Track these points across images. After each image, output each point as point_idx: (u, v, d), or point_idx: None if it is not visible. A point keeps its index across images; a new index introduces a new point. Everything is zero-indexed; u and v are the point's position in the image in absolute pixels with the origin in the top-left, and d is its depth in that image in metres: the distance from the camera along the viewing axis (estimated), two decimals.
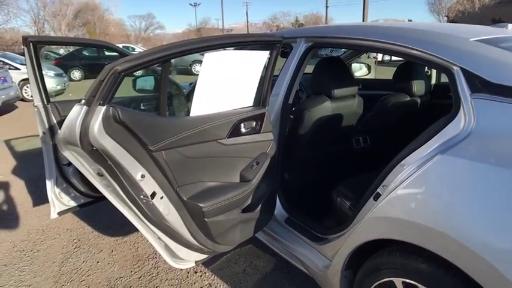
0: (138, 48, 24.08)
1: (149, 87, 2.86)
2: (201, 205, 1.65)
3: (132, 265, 2.65)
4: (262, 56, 1.78)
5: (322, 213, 2.41)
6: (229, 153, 1.80)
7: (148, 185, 1.50)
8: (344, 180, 2.25)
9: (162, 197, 1.57)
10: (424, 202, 1.32)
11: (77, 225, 3.24)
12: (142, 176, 1.46)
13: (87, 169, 1.41)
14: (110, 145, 1.31)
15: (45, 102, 2.27)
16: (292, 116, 2.39)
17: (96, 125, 1.26)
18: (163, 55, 1.33)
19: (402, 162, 1.44)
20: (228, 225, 1.84)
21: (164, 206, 1.59)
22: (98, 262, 2.70)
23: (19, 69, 10.40)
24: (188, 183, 1.66)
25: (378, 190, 1.55)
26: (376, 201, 1.55)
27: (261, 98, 1.95)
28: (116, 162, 1.36)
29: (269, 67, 1.84)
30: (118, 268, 2.62)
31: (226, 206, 1.76)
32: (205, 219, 1.70)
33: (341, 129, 2.55)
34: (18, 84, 10.00)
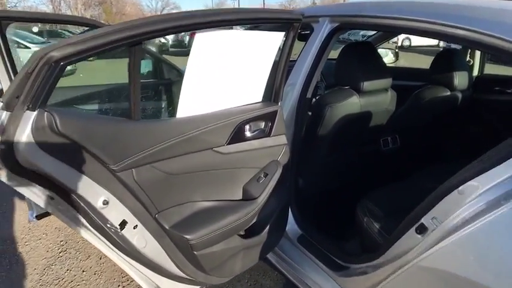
0: None
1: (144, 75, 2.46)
2: (187, 237, 1.28)
3: (121, 277, 2.32)
4: (275, 38, 1.36)
5: (343, 231, 2.01)
6: (229, 164, 1.41)
7: (115, 212, 1.13)
8: (370, 191, 1.85)
9: (135, 227, 1.20)
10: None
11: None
12: (105, 202, 1.08)
13: (33, 191, 1.04)
14: (49, 165, 0.93)
15: None
16: (310, 113, 1.98)
17: (23, 138, 0.88)
18: (129, 35, 0.93)
19: (461, 188, 1.02)
20: (225, 255, 1.47)
21: (139, 237, 1.22)
22: (83, 271, 2.38)
23: (29, 47, 10.14)
24: (172, 206, 1.28)
25: (423, 221, 1.14)
26: (420, 235, 1.14)
27: (273, 92, 1.53)
28: (64, 185, 0.98)
29: (284, 53, 1.42)
30: (105, 280, 2.30)
31: (223, 234, 1.38)
32: (195, 252, 1.32)
33: (369, 129, 2.12)
34: None
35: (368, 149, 2.27)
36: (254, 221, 1.51)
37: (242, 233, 1.55)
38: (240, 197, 1.51)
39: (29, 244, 2.68)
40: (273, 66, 1.44)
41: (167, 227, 1.26)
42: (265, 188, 1.50)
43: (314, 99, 2.01)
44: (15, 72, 1.90)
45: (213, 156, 1.33)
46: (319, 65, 1.84)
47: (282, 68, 1.46)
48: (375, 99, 1.99)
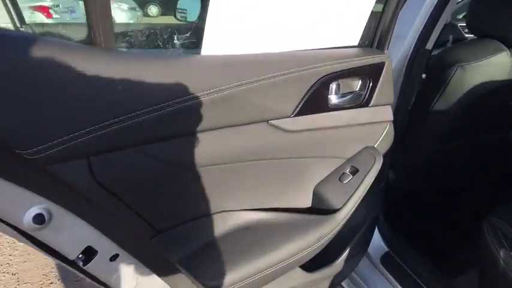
0: None
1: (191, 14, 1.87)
2: (212, 284, 0.71)
3: None
4: None
5: (454, 257, 1.35)
6: (294, 150, 0.81)
7: (67, 234, 0.59)
8: (504, 206, 1.17)
9: (114, 257, 0.67)
10: None
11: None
12: (42, 218, 0.54)
13: None
14: None
15: (18, 25, 1.45)
16: (424, 76, 1.28)
17: None
18: None
19: None
20: None
21: (125, 273, 0.68)
22: None
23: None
24: (183, 223, 0.71)
25: None
26: None
27: (377, 33, 0.90)
28: None
29: None
30: None
31: (277, 272, 0.79)
32: None
33: None
34: None
35: (496, 137, 1.52)
36: (329, 245, 0.91)
37: (306, 268, 0.96)
38: (308, 206, 0.91)
39: None
40: None
41: (175, 260, 0.71)
42: (353, 194, 0.88)
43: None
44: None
45: (267, 134, 0.73)
46: (449, 2, 1.12)
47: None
48: None
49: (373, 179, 0.93)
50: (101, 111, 0.54)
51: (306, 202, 0.90)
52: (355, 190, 0.89)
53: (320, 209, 0.89)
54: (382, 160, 0.95)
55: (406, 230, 1.40)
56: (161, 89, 0.58)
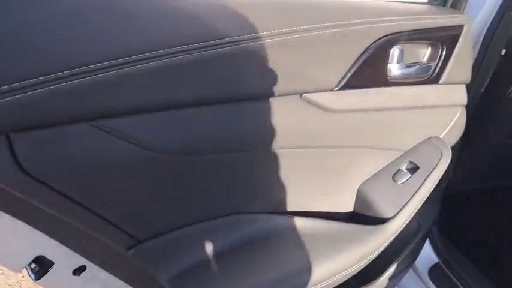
0: None
1: None
2: None
3: None
4: None
5: None
6: (334, 137, 0.60)
7: (8, 241, 0.43)
8: None
9: (78, 270, 0.50)
10: None
11: None
12: None
13: None
14: None
15: None
16: (504, 51, 1.02)
17: None
18: None
19: None
20: None
21: None
22: None
23: None
24: (176, 229, 0.53)
25: None
26: None
27: None
28: None
29: None
30: None
31: None
32: None
33: None
34: None
35: None
36: (371, 261, 0.70)
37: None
38: (349, 212, 0.70)
39: None
40: None
41: (163, 279, 0.53)
42: (411, 199, 0.66)
43: None
44: None
45: (298, 113, 0.53)
46: None
47: None
48: None
49: (437, 180, 0.71)
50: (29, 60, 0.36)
51: (347, 206, 0.70)
52: (414, 194, 0.67)
53: (365, 216, 0.68)
54: (450, 155, 0.72)
55: (461, 238, 1.16)
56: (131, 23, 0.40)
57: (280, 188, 0.60)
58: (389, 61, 0.59)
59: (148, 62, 0.40)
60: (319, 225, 0.63)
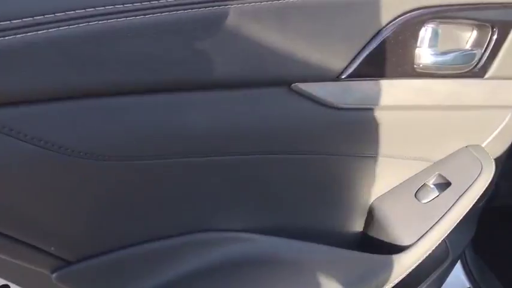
0: None
1: None
2: None
3: None
4: None
5: None
6: (339, 142, 0.47)
7: None
8: None
9: None
10: None
11: None
12: None
13: None
14: None
15: None
16: None
17: None
18: None
19: None
20: None
21: None
22: None
23: None
24: (121, 247, 0.42)
25: None
26: None
27: None
28: None
29: None
30: None
31: None
32: None
33: None
34: None
35: None
36: None
37: None
38: (358, 234, 0.57)
39: None
40: None
41: None
42: (437, 223, 0.52)
43: None
44: None
45: (287, 109, 0.40)
46: None
47: None
48: None
49: (474, 200, 0.56)
50: None
51: (355, 227, 0.56)
52: (441, 217, 0.53)
53: (378, 241, 0.54)
54: (493, 169, 0.57)
55: (498, 261, 1.00)
56: None
57: (264, 203, 0.48)
58: (418, 44, 0.45)
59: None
60: (317, 250, 0.50)
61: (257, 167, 0.43)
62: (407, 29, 0.42)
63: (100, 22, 0.30)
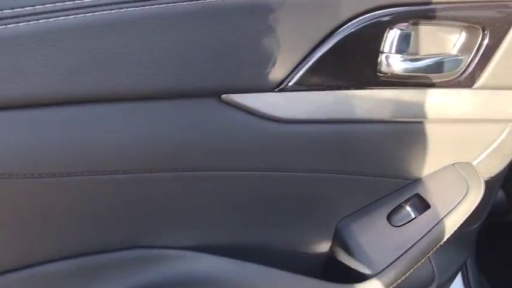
0: None
1: None
2: None
3: None
4: None
5: None
6: (291, 157, 0.41)
7: None
8: None
9: None
10: None
11: None
12: None
13: None
14: None
15: None
16: None
17: None
18: None
19: None
20: None
21: None
22: None
23: None
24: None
25: None
26: None
27: None
28: None
29: None
30: None
31: None
32: None
33: None
34: None
35: None
36: None
37: None
38: (318, 260, 0.52)
39: None
40: None
41: None
42: (408, 250, 0.46)
43: None
44: None
45: (219, 121, 0.36)
46: None
47: None
48: None
49: (458, 224, 0.49)
50: None
51: (316, 251, 0.51)
52: (416, 243, 0.47)
53: (344, 266, 0.49)
54: (482, 190, 0.50)
55: (502, 279, 0.92)
56: None
57: (212, 222, 0.43)
58: (386, 49, 0.39)
59: None
60: (268, 274, 0.46)
61: (191, 183, 0.39)
62: (369, 31, 0.36)
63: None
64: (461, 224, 0.64)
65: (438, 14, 0.40)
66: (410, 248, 0.47)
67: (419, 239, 0.47)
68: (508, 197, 0.94)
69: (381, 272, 0.46)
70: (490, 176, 0.57)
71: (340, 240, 0.49)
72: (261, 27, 0.33)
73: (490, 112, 0.50)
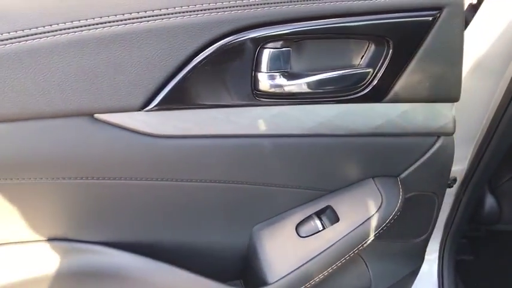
0: None
1: None
2: None
3: None
4: None
5: None
6: (179, 168, 0.43)
7: None
8: None
9: None
10: None
11: None
12: None
13: None
14: None
15: None
16: None
17: None
18: None
19: None
20: None
21: None
22: None
23: None
24: None
25: None
26: None
27: None
28: None
29: None
30: None
31: None
32: None
33: None
34: None
35: None
36: None
37: None
38: (231, 263, 0.54)
39: None
40: None
41: None
42: (307, 262, 0.47)
43: None
44: None
45: (96, 136, 0.38)
46: None
47: None
48: None
49: (369, 237, 0.48)
50: None
51: (233, 254, 0.52)
52: (318, 255, 0.47)
53: (251, 270, 0.51)
54: (398, 204, 0.48)
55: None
56: None
57: (121, 222, 0.46)
58: (262, 68, 0.38)
59: None
60: (170, 273, 0.48)
61: (94, 190, 0.42)
62: (236, 51, 0.36)
63: None
64: (406, 236, 0.63)
65: (313, 30, 0.38)
66: (310, 260, 0.47)
67: (321, 252, 0.47)
68: (499, 206, 0.87)
69: (277, 281, 0.47)
70: (425, 189, 0.54)
71: (252, 245, 0.51)
72: (123, 54, 0.35)
73: (413, 126, 0.47)
